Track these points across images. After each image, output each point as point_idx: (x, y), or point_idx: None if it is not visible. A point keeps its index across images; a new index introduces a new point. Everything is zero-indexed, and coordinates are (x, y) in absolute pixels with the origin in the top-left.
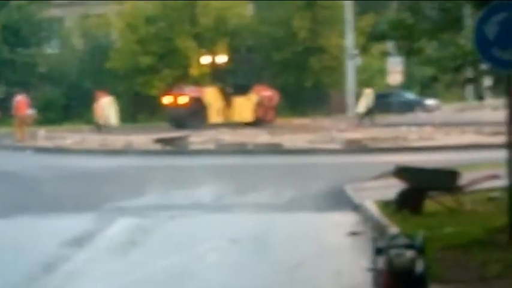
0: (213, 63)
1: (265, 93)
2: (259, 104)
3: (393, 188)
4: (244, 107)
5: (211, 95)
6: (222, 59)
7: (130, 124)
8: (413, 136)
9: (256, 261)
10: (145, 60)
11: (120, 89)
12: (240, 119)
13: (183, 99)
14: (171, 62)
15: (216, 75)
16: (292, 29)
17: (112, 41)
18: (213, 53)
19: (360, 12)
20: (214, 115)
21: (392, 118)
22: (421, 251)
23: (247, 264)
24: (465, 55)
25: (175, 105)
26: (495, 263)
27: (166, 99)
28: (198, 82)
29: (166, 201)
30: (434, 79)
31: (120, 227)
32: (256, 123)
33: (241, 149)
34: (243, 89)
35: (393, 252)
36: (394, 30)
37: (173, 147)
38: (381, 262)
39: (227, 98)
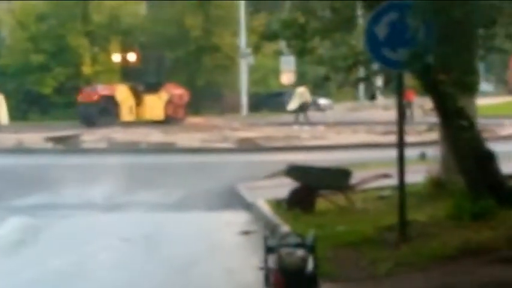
0: (123, 62)
1: (176, 91)
2: (170, 102)
3: (285, 187)
4: (155, 105)
5: (122, 93)
6: (131, 57)
7: (22, 122)
8: (306, 135)
9: (148, 260)
10: (37, 58)
11: (11, 87)
12: (151, 117)
13: (94, 97)
14: (63, 59)
15: (126, 73)
16: (185, 27)
17: (2, 38)
18: (105, 50)
19: (253, 12)
20: (126, 113)
21: (285, 117)
22: (311, 249)
23: (139, 263)
24: (356, 55)
25: (86, 103)
26: (385, 261)
27: (79, 98)
28: (91, 80)
29: (58, 200)
30: (326, 78)
31: (10, 226)
32: (167, 121)
33: (134, 148)
34: (153, 87)
35: (284, 251)
36: (286, 30)
37: (65, 145)
38: (272, 261)
39: (138, 96)
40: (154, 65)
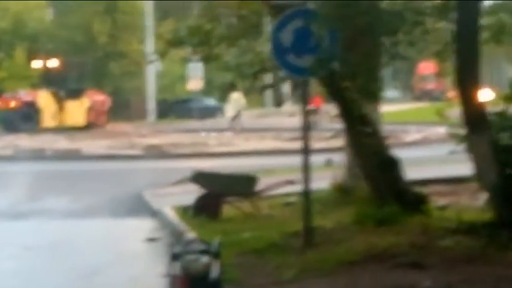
0: (44, 67)
1: (98, 97)
2: (92, 109)
3: (192, 193)
4: (76, 111)
5: (44, 99)
6: (53, 63)
7: None
8: (213, 142)
9: (52, 268)
10: None
11: None
12: (73, 123)
13: (15, 103)
14: None
15: (47, 79)
16: (92, 34)
17: None
18: (11, 56)
19: (160, 18)
20: (48, 119)
21: (193, 124)
22: (216, 256)
23: (43, 272)
24: (263, 62)
25: (7, 109)
26: (290, 266)
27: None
28: None
29: None
30: (232, 85)
31: None
32: (89, 127)
33: (39, 155)
34: (75, 93)
35: (188, 257)
36: (192, 36)
37: None
38: (177, 268)
39: (60, 102)
40: (76, 71)
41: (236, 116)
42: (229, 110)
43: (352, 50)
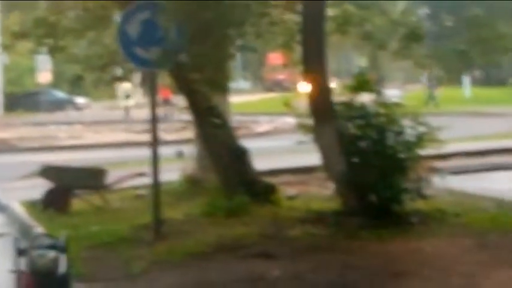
0: None
1: None
2: None
3: (41, 187)
4: None
5: None
6: None
7: None
8: (63, 135)
9: None
10: None
11: None
12: None
13: None
14: None
15: None
16: None
17: None
18: None
19: (6, 11)
20: None
21: (42, 117)
22: (63, 250)
23: None
24: (111, 54)
25: None
26: (140, 259)
27: None
28: None
29: None
30: (80, 77)
31: None
32: None
33: None
34: None
35: (35, 253)
36: (37, 28)
37: None
38: (23, 263)
39: None
40: None
41: (127, 108)
42: (126, 101)
43: (199, 42)
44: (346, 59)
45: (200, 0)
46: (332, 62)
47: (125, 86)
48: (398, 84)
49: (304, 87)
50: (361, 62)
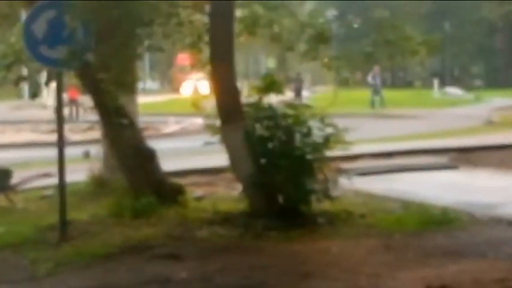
0: None
1: None
2: None
3: None
4: None
5: None
6: None
7: None
8: None
9: None
10: None
11: None
12: None
13: None
14: None
15: None
16: None
17: None
18: None
19: None
20: None
21: None
22: None
23: None
24: (17, 53)
25: None
26: (45, 261)
27: None
28: None
29: None
30: None
31: None
32: None
33: None
34: None
35: None
36: None
37: None
38: None
39: None
40: None
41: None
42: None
43: (106, 41)
44: (255, 60)
45: None
46: (241, 63)
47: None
48: (306, 85)
49: (211, 88)
50: (269, 63)
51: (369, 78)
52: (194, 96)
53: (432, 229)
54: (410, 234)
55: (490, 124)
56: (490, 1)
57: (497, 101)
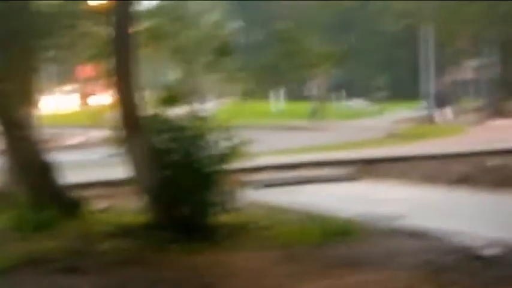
0: None
1: None
2: None
3: None
4: None
5: None
6: None
7: None
8: None
9: None
10: None
11: None
12: None
13: None
14: None
15: None
16: None
17: None
18: None
19: None
20: None
21: None
22: None
23: None
24: None
25: None
26: None
27: None
28: None
29: None
30: None
31: None
32: None
33: None
34: None
35: None
36: None
37: None
38: None
39: None
40: None
41: None
42: None
43: (4, 52)
44: (159, 72)
45: (2, 8)
46: (148, 74)
47: None
48: (212, 97)
49: (110, 99)
50: (173, 74)
51: (314, 90)
52: (96, 108)
53: (335, 240)
54: (313, 245)
55: (392, 136)
56: (392, 13)
57: (400, 112)
